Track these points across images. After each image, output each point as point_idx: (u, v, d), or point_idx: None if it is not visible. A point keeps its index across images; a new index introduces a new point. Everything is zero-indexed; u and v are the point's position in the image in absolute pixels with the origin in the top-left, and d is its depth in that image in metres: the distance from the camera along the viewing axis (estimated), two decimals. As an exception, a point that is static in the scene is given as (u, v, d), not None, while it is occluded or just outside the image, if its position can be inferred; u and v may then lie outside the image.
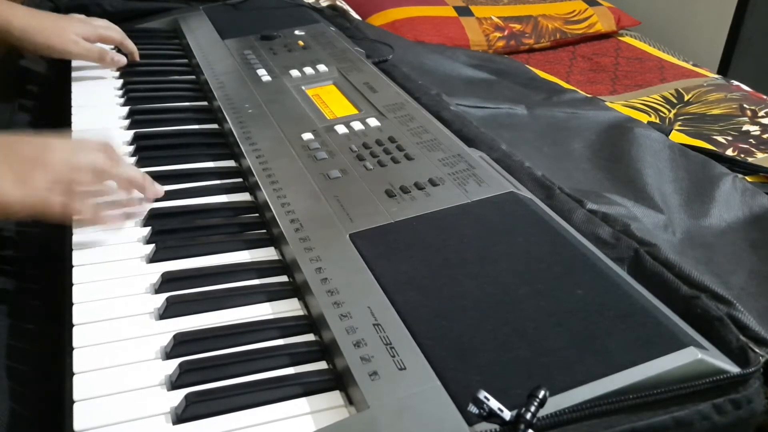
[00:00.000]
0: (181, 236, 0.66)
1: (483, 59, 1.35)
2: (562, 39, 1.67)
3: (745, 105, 1.27)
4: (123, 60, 1.00)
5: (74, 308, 0.56)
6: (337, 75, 0.96)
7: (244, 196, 0.74)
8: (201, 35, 1.12)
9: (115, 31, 1.01)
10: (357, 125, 0.81)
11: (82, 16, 1.03)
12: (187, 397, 0.48)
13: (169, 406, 0.48)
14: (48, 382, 0.54)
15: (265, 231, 0.68)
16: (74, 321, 0.55)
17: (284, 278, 0.62)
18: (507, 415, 0.44)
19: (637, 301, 0.54)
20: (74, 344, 0.53)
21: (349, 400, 0.49)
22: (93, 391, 0.49)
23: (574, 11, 1.73)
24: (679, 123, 1.21)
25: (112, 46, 1.02)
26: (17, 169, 0.60)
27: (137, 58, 1.03)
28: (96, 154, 0.66)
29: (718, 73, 1.70)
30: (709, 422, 0.47)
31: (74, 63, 1.01)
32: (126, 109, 0.89)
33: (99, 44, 0.99)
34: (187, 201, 0.72)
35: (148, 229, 0.67)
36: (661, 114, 1.27)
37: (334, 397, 0.50)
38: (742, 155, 1.08)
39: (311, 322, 0.56)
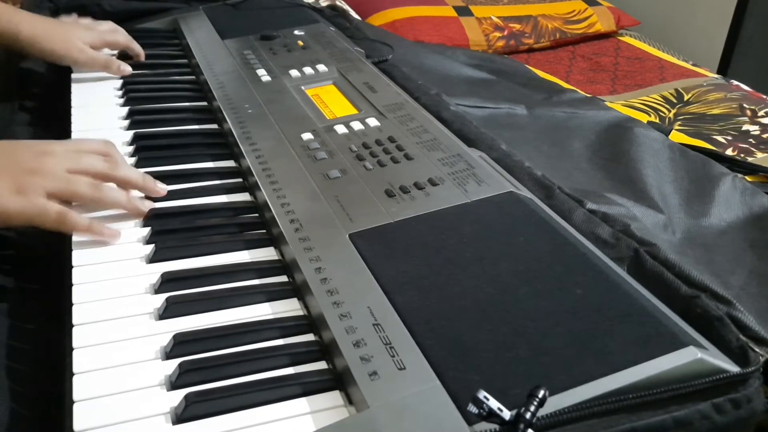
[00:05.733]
0: (181, 236, 0.66)
1: (483, 59, 1.35)
2: (561, 39, 1.67)
3: (744, 105, 1.27)
4: (128, 69, 0.99)
5: (74, 308, 0.56)
6: (336, 75, 0.96)
7: (244, 196, 0.74)
8: (201, 35, 1.12)
9: (121, 35, 1.02)
10: (357, 125, 0.81)
11: (88, 21, 1.03)
12: (186, 397, 0.48)
13: (168, 406, 0.48)
14: (48, 382, 0.54)
15: (264, 231, 0.68)
16: (74, 321, 0.55)
17: (284, 278, 0.62)
18: (507, 414, 0.44)
19: (637, 301, 0.54)
20: (74, 344, 0.53)
21: (349, 400, 0.49)
22: (93, 392, 0.49)
23: (573, 11, 1.73)
24: (679, 123, 1.22)
25: (115, 52, 1.02)
26: (16, 179, 0.61)
27: (143, 59, 1.04)
28: (94, 158, 0.67)
29: (718, 72, 1.70)
30: (709, 422, 0.47)
31: (75, 64, 1.01)
32: (126, 109, 0.89)
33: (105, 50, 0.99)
34: (187, 201, 0.72)
35: (148, 229, 0.67)
36: (661, 114, 1.27)
37: (334, 397, 0.50)
38: (742, 155, 1.08)
39: (311, 322, 0.56)
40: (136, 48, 1.03)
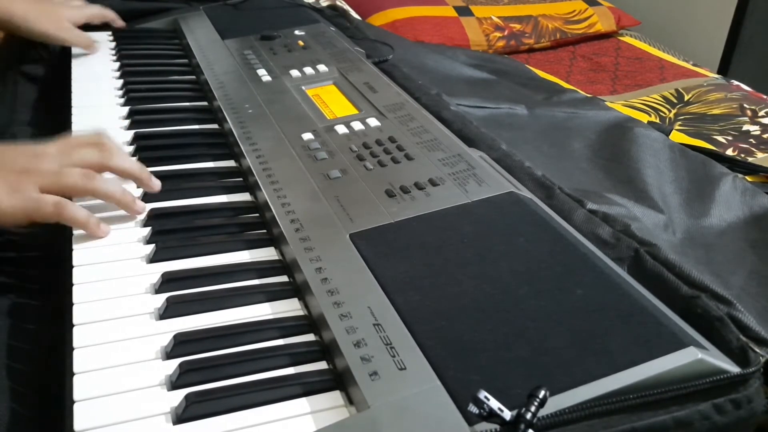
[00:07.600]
0: (181, 236, 0.66)
1: (483, 59, 1.35)
2: (562, 39, 1.67)
3: (745, 105, 1.27)
4: (98, 49, 1.07)
5: (74, 308, 0.56)
6: (337, 75, 0.96)
7: (244, 196, 0.74)
8: (201, 35, 1.12)
9: (95, 8, 1.10)
10: (357, 125, 0.81)
11: (78, 2, 1.10)
12: (187, 397, 0.48)
13: (169, 406, 0.48)
14: (48, 382, 0.54)
15: (265, 231, 0.68)
16: (74, 321, 0.55)
17: (284, 278, 0.62)
18: (507, 414, 0.44)
19: (637, 301, 0.54)
20: (74, 344, 0.53)
21: (350, 400, 0.49)
22: (93, 391, 0.49)
23: (574, 11, 1.73)
24: (679, 123, 1.22)
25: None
26: (9, 180, 0.62)
27: (120, 22, 1.14)
28: (88, 151, 0.67)
29: (718, 73, 1.70)
30: (710, 422, 0.47)
31: (74, 62, 1.01)
32: (126, 109, 0.89)
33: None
34: (187, 201, 0.72)
35: (148, 229, 0.67)
36: (661, 114, 1.27)
37: (334, 397, 0.50)
38: (742, 155, 1.08)
39: (311, 322, 0.56)
40: (109, 14, 1.13)
